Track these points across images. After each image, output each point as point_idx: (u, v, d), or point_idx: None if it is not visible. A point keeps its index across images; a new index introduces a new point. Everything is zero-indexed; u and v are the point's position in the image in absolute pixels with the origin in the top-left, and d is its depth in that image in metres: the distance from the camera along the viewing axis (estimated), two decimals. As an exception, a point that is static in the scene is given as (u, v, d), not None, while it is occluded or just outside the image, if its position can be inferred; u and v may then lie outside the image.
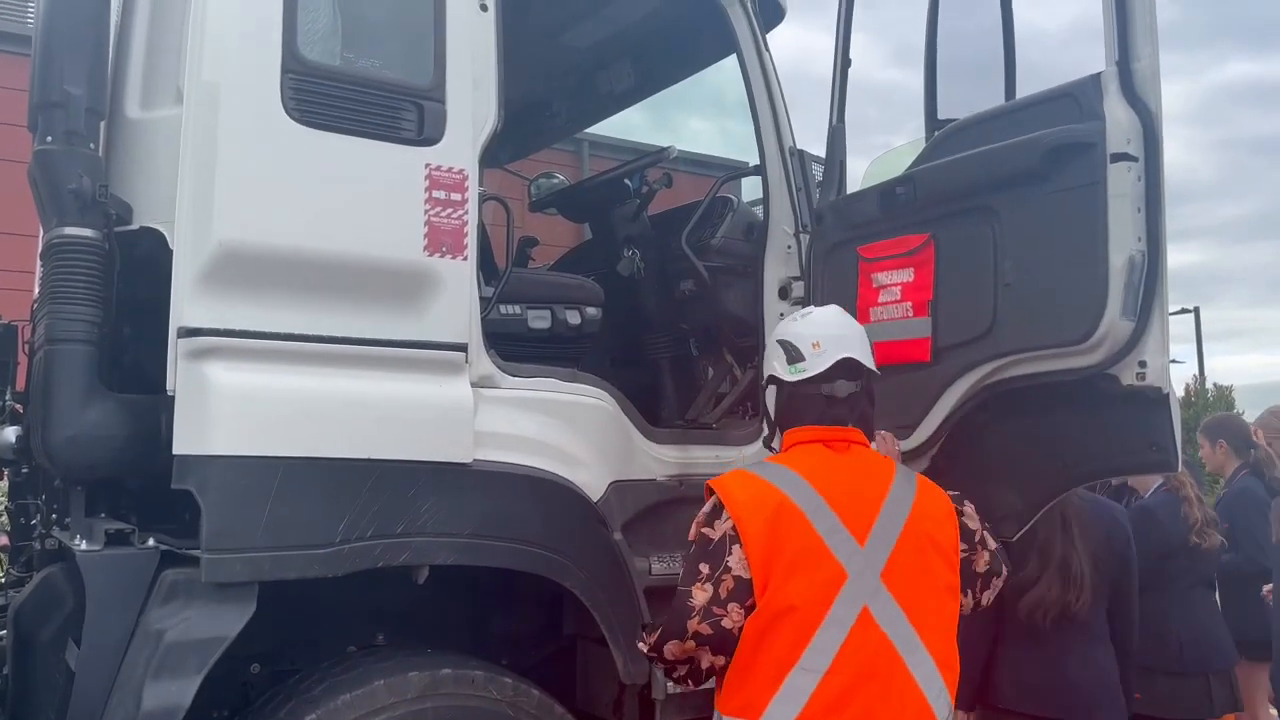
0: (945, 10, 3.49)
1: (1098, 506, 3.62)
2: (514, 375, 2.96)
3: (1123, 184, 2.67)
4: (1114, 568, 3.49)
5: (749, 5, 3.63)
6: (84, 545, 2.48)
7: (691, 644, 2.32)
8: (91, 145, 2.62)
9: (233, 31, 2.53)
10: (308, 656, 2.81)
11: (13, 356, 3.58)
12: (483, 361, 2.87)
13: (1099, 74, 2.76)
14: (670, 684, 2.72)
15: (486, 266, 3.08)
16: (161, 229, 2.56)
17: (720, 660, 2.33)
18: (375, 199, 2.67)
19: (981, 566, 2.55)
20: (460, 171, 2.80)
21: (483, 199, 2.94)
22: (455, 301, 2.79)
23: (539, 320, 3.36)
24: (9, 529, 3.84)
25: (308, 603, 2.71)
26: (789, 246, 3.68)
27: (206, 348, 2.46)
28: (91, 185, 2.53)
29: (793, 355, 2.56)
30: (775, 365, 2.61)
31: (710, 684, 2.41)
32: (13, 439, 3.11)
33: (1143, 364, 2.69)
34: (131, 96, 2.77)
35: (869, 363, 2.58)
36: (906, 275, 3.17)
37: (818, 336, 2.55)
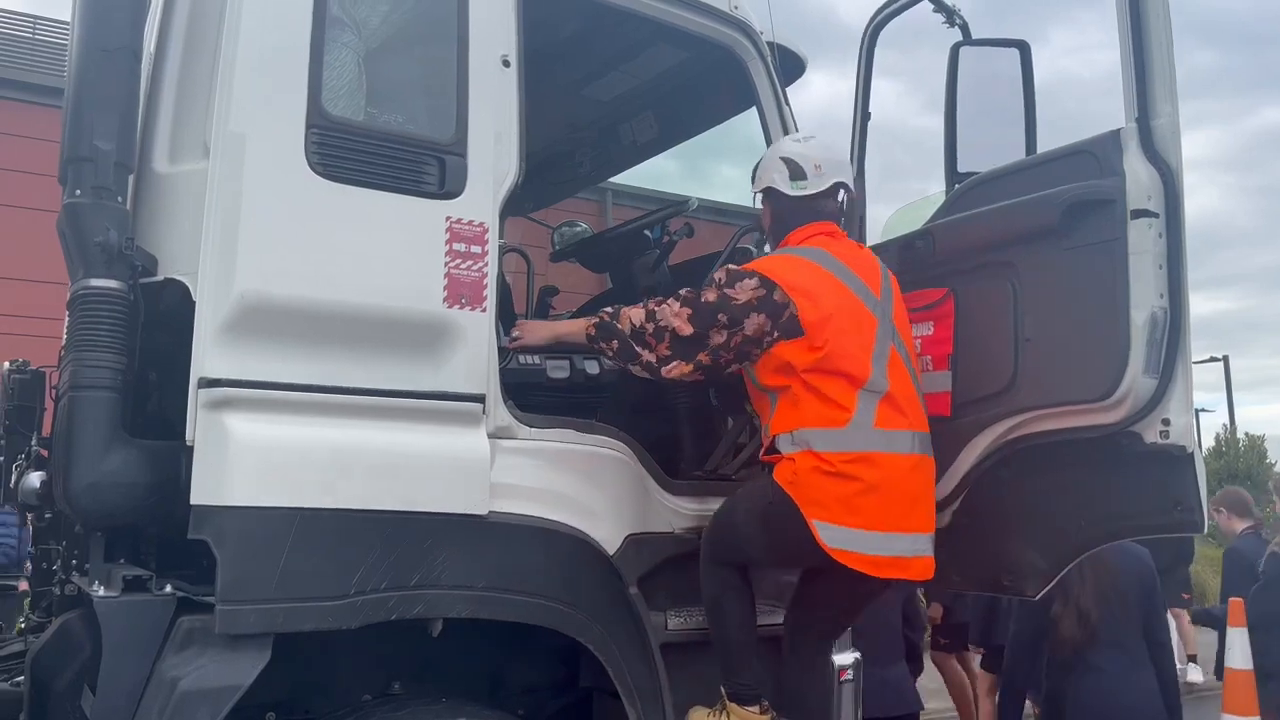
0: (966, 65, 3.51)
1: (1124, 552, 4.06)
2: (531, 426, 2.96)
3: (1143, 240, 2.67)
4: (1143, 602, 4.04)
5: (769, 59, 3.67)
6: (101, 591, 2.49)
7: (690, 368, 2.89)
8: (119, 199, 2.66)
9: (258, 86, 2.57)
10: (323, 705, 2.81)
11: (40, 402, 3.62)
12: (500, 412, 2.87)
13: (1118, 130, 2.76)
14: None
15: (506, 316, 3.09)
16: (186, 280, 2.59)
17: (697, 378, 2.95)
18: (396, 252, 2.70)
19: None
20: (481, 224, 2.82)
21: (503, 251, 2.96)
22: (474, 352, 2.80)
23: (557, 370, 3.36)
24: (30, 574, 3.87)
25: (324, 650, 2.70)
26: (809, 298, 3.67)
27: (226, 398, 2.48)
28: (118, 238, 2.56)
29: (796, 173, 3.07)
30: (776, 179, 3.11)
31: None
32: (37, 484, 3.14)
33: (1166, 422, 2.66)
34: (160, 151, 2.82)
35: (853, 188, 3.16)
36: (926, 329, 3.16)
37: (820, 160, 3.07)
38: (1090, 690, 3.93)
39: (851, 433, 2.78)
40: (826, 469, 2.76)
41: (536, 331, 3.14)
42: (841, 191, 3.10)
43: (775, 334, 2.84)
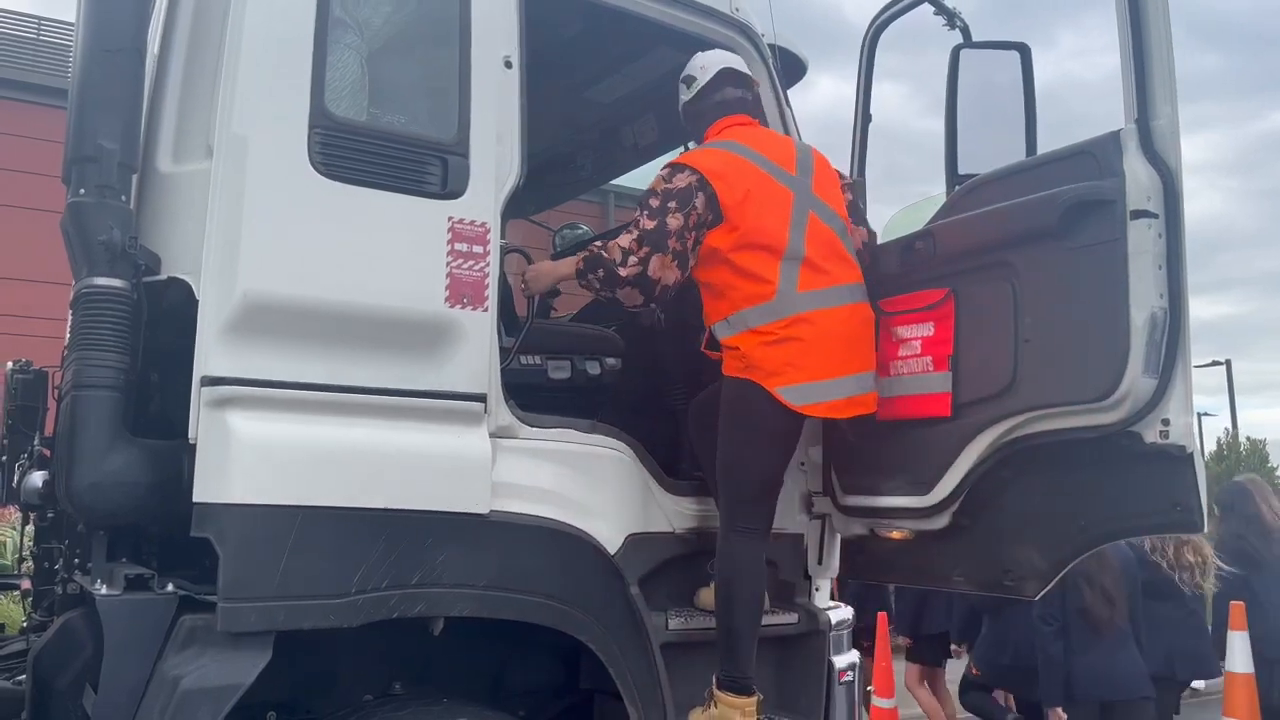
0: (966, 67, 3.51)
1: (1115, 546, 4.91)
2: (532, 426, 2.97)
3: (1143, 241, 2.67)
4: (1131, 591, 5.01)
5: (770, 61, 3.68)
6: (104, 590, 2.49)
7: (669, 258, 3.05)
8: (123, 198, 2.67)
9: (262, 87, 2.59)
10: (324, 705, 2.81)
11: (42, 402, 3.62)
12: (501, 412, 2.88)
13: (1118, 131, 2.76)
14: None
15: (507, 317, 3.10)
16: (189, 279, 2.60)
17: (679, 275, 3.10)
18: (398, 251, 2.71)
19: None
20: (483, 225, 2.83)
21: (505, 251, 2.97)
22: (475, 352, 2.81)
23: (559, 371, 3.38)
24: (31, 573, 3.87)
25: (325, 650, 2.71)
26: (810, 299, 3.68)
27: (228, 397, 2.49)
28: (122, 237, 2.57)
29: (689, 81, 3.40)
30: (682, 98, 3.44)
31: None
32: (39, 483, 3.15)
33: (1166, 422, 2.66)
34: (164, 150, 2.83)
35: (747, 70, 3.42)
36: (926, 329, 3.16)
37: (702, 62, 3.39)
38: (1093, 664, 4.80)
39: (780, 302, 3.06)
40: (769, 339, 3.05)
41: (540, 280, 3.26)
42: (740, 84, 3.36)
43: (710, 216, 3.10)
